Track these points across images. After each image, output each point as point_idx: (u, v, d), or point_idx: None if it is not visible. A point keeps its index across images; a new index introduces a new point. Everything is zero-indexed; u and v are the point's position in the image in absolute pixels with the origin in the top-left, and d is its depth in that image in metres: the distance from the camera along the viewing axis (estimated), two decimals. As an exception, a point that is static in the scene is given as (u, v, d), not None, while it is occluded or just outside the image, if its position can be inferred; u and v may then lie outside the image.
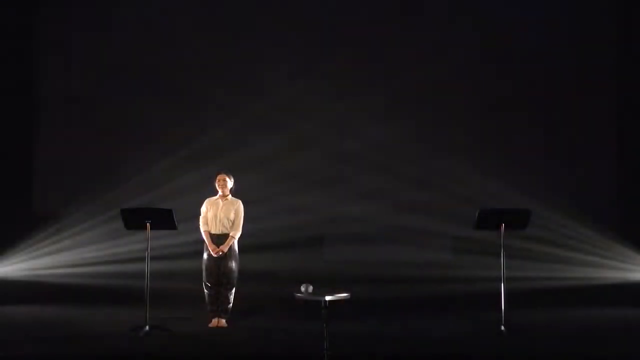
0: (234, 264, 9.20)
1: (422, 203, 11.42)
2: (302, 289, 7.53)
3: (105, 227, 11.38)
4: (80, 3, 11.93)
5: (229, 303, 9.21)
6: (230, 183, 9.29)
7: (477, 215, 8.94)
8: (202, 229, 9.25)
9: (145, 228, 8.94)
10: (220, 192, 9.29)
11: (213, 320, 9.20)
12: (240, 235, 9.24)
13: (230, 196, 9.32)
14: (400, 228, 11.44)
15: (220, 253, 9.12)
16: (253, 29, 11.76)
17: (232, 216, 9.19)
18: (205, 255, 9.23)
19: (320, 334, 7.46)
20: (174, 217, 8.87)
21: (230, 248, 9.18)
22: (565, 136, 11.67)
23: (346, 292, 7.64)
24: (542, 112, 11.67)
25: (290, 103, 11.65)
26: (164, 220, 8.93)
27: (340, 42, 11.72)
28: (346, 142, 11.70)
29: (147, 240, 8.97)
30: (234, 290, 9.22)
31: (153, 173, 11.52)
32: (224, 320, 9.19)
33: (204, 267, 9.24)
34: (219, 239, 9.17)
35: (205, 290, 9.24)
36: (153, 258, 9.11)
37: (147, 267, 8.96)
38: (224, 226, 9.18)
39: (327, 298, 7.45)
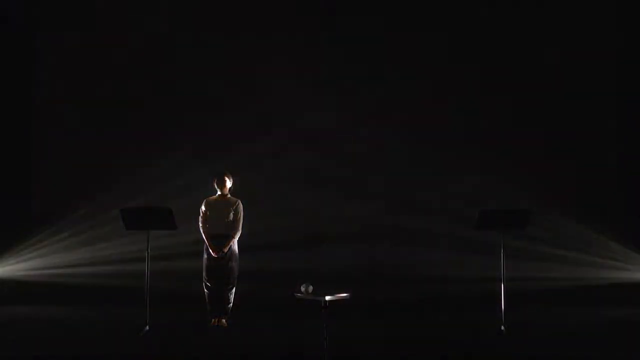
0: (234, 264, 9.21)
1: (422, 203, 11.42)
2: (302, 289, 7.53)
3: (105, 228, 11.38)
4: (79, 3, 11.93)
5: (229, 303, 9.22)
6: (229, 183, 9.31)
7: (477, 215, 8.95)
8: (201, 229, 9.25)
9: (145, 228, 8.97)
10: (219, 192, 9.31)
11: (213, 320, 9.21)
12: (240, 235, 9.26)
13: (229, 196, 9.33)
14: (400, 228, 11.43)
15: (221, 253, 9.13)
16: (251, 28, 11.76)
17: (231, 216, 9.19)
18: (205, 255, 9.23)
19: (321, 334, 7.46)
20: (173, 217, 8.88)
21: (230, 248, 9.18)
22: (566, 136, 11.65)
23: (346, 292, 7.64)
24: (543, 111, 11.66)
25: (290, 103, 11.65)
26: (163, 220, 8.93)
27: (339, 41, 11.72)
28: (346, 142, 11.69)
29: (147, 240, 9.00)
30: (234, 290, 9.23)
31: (153, 173, 11.51)
32: (224, 320, 9.20)
33: (204, 267, 9.24)
34: (219, 239, 9.17)
35: (205, 290, 9.24)
36: (153, 258, 9.13)
37: (147, 267, 8.98)
38: (224, 226, 9.19)
39: (327, 298, 7.45)
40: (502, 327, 8.80)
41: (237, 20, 11.78)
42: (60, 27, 11.89)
